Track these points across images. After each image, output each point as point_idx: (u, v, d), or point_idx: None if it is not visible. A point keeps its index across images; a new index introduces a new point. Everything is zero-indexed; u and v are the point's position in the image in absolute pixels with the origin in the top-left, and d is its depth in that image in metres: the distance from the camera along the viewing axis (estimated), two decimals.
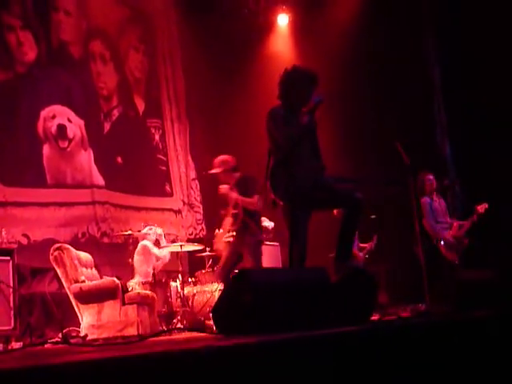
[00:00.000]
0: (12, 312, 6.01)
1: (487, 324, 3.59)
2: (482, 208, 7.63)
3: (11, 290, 6.02)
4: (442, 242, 7.64)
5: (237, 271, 5.53)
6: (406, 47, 9.42)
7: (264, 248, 8.44)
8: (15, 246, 7.07)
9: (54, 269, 7.05)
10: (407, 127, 8.77)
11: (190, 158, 10.94)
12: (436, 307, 4.97)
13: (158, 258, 8.03)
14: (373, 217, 8.53)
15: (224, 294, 4.13)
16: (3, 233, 6.25)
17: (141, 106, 10.43)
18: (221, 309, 3.97)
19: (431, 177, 7.85)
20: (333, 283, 4.13)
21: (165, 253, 8.10)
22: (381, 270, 8.76)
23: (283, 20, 11.32)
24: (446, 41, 9.59)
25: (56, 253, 6.91)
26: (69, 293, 6.86)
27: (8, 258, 6.10)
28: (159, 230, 8.32)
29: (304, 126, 4.77)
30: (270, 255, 8.48)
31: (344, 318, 3.77)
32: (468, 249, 7.57)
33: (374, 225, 8.73)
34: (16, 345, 5.94)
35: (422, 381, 3.02)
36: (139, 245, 8.02)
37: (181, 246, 8.09)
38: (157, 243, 8.26)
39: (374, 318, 4.65)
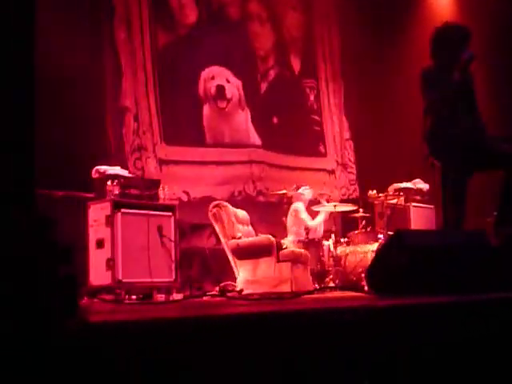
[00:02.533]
0: (173, 265, 6.28)
1: None
2: None
3: (173, 244, 6.29)
4: None
5: (390, 232, 5.48)
6: None
7: (418, 210, 8.33)
8: (176, 202, 7.37)
9: (212, 225, 7.32)
10: None
11: (344, 118, 10.87)
12: None
13: (306, 226, 8.03)
14: None
15: (378, 255, 4.12)
16: (166, 189, 6.53)
17: (296, 66, 10.46)
18: (375, 269, 3.97)
19: None
20: (493, 247, 4.00)
21: (315, 223, 8.10)
22: None
23: None
24: None
25: (215, 210, 7.16)
26: (226, 248, 7.11)
27: (170, 213, 6.36)
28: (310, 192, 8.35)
29: (456, 84, 4.59)
30: (424, 217, 8.33)
31: (503, 284, 3.64)
32: None
33: None
34: (177, 296, 6.21)
35: None
36: (292, 206, 8.12)
37: (334, 206, 8.12)
38: (310, 202, 8.33)
39: None
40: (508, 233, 4.41)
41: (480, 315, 2.76)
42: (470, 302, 2.83)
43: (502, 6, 9.17)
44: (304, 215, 8.05)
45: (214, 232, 7.52)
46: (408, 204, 8.26)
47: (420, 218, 8.32)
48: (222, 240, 7.14)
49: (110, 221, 5.89)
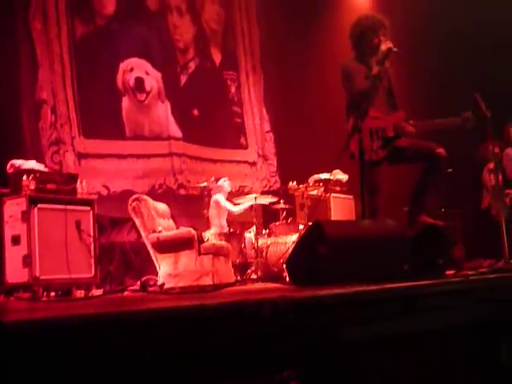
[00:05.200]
0: (92, 260, 6.20)
1: None
2: None
3: (92, 239, 6.20)
4: None
5: (311, 223, 5.53)
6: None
7: (338, 201, 8.48)
8: (95, 196, 7.26)
9: (132, 219, 7.25)
10: (489, 80, 8.47)
11: (264, 110, 10.93)
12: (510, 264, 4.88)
13: (229, 213, 8.12)
14: (449, 170, 8.34)
15: (298, 246, 4.16)
16: (84, 183, 6.42)
17: (217, 58, 10.45)
18: (295, 260, 4.01)
19: None
20: (407, 237, 4.10)
21: (237, 208, 8.17)
22: (457, 225, 8.60)
23: None
24: None
25: (134, 203, 7.09)
26: (147, 242, 7.05)
27: (88, 208, 6.27)
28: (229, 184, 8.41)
29: (374, 76, 4.66)
30: (344, 208, 8.48)
31: (418, 272, 3.75)
32: None
33: (450, 179, 8.54)
34: (97, 292, 6.13)
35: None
36: (212, 198, 8.13)
37: (255, 198, 8.17)
38: (230, 194, 8.36)
39: (449, 272, 4.60)
40: (420, 223, 4.54)
41: (397, 303, 2.83)
42: (387, 290, 2.90)
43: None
44: (226, 204, 8.08)
45: (134, 226, 7.44)
46: (328, 195, 8.39)
47: (340, 208, 8.46)
48: (143, 234, 7.07)
49: (25, 217, 5.77)
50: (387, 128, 4.74)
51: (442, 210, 8.63)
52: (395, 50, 4.63)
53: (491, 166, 7.06)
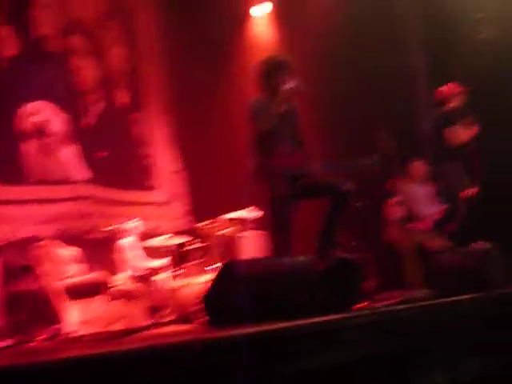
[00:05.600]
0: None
1: (468, 308, 3.63)
2: (469, 193, 7.65)
3: None
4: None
5: (224, 262, 5.52)
6: (391, 33, 9.38)
7: (251, 238, 8.49)
8: (2, 243, 7.03)
9: (40, 266, 7.03)
10: (392, 115, 8.77)
11: (173, 150, 10.89)
12: (421, 293, 5.01)
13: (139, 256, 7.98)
14: (358, 204, 8.51)
15: (212, 286, 4.13)
16: None
17: (124, 99, 10.38)
18: (210, 301, 3.98)
19: (421, 163, 7.89)
20: (318, 272, 4.15)
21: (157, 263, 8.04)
22: (368, 257, 8.76)
23: (266, 8, 11.23)
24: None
25: (41, 250, 6.89)
26: (55, 289, 6.84)
27: None
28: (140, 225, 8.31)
29: (278, 115, 4.76)
30: (257, 245, 8.49)
31: (330, 306, 3.79)
32: (452, 235, 7.58)
33: (360, 212, 8.72)
34: (5, 343, 5.90)
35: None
36: (123, 242, 8.00)
37: (167, 239, 8.08)
38: (143, 236, 8.25)
39: (361, 305, 4.67)
40: (330, 257, 4.60)
41: (311, 339, 2.84)
42: (302, 327, 2.91)
43: (322, 40, 9.69)
44: (135, 251, 7.95)
45: (42, 273, 7.21)
46: (241, 233, 8.39)
47: (253, 246, 8.47)
48: (51, 281, 6.86)
49: None
50: (293, 166, 4.81)
51: (353, 243, 8.80)
52: (298, 88, 4.74)
53: (395, 199, 7.27)
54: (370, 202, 8.62)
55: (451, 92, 6.60)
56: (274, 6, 11.07)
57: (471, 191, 7.51)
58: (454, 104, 6.52)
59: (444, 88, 6.93)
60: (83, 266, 7.35)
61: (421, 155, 8.04)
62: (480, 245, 6.24)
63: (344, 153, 6.70)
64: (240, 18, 11.25)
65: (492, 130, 7.60)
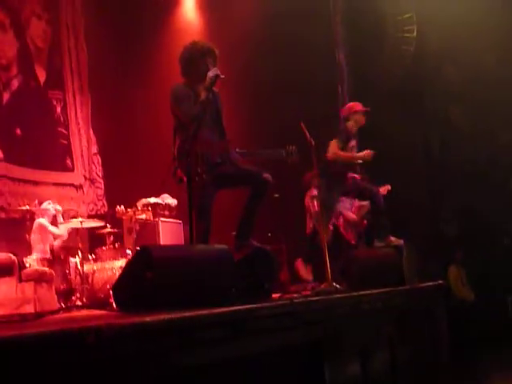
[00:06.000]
0: None
1: (382, 301, 3.72)
2: (384, 190, 7.81)
3: None
4: (342, 221, 7.82)
5: (139, 248, 5.46)
6: (315, 30, 9.51)
7: (167, 225, 8.43)
8: None
9: None
10: (312, 109, 8.88)
11: (91, 132, 10.68)
12: (335, 285, 5.09)
13: (55, 236, 7.85)
14: (276, 196, 8.59)
15: (125, 271, 4.08)
16: None
17: (42, 76, 10.08)
18: (122, 286, 3.93)
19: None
20: (235, 261, 4.15)
21: (62, 231, 7.92)
22: (283, 249, 8.85)
23: None
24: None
25: None
26: None
27: None
28: (58, 207, 8.14)
29: (202, 102, 4.74)
30: (173, 233, 8.45)
31: (244, 295, 3.80)
32: (367, 229, 7.75)
33: (276, 204, 8.81)
34: None
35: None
36: (35, 222, 7.81)
37: (81, 222, 7.94)
38: (55, 219, 8.07)
39: (275, 295, 4.71)
40: (247, 247, 4.62)
41: (225, 327, 2.84)
42: (214, 315, 2.91)
43: (247, 25, 9.72)
44: (51, 228, 7.79)
45: None
46: (156, 219, 8.32)
47: (169, 233, 8.42)
48: None
49: None
50: (213, 153, 4.80)
51: (269, 234, 8.88)
52: (222, 76, 4.73)
53: (314, 192, 7.35)
54: (288, 193, 8.75)
55: (353, 110, 6.72)
56: None
57: (384, 189, 7.70)
58: (351, 123, 6.65)
59: (349, 104, 7.04)
60: None
61: None
62: (395, 241, 6.40)
63: (264, 143, 6.72)
64: (168, 2, 11.14)
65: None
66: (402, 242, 6.38)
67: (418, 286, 5.69)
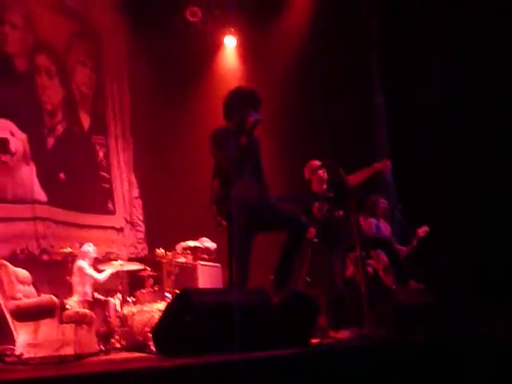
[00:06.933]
0: None
1: (422, 347, 3.66)
2: (422, 232, 7.72)
3: None
4: (382, 266, 7.74)
5: (178, 291, 5.49)
6: (352, 72, 9.57)
7: (206, 269, 8.46)
8: None
9: None
10: (348, 151, 8.88)
11: (133, 176, 10.85)
12: (374, 331, 5.03)
13: (94, 279, 7.91)
14: (315, 240, 8.56)
15: (165, 314, 4.10)
16: None
17: (86, 122, 10.32)
18: (161, 329, 3.94)
19: (384, 200, 7.92)
20: (273, 305, 4.14)
21: (103, 274, 7.99)
22: (321, 294, 8.77)
23: (231, 42, 11.33)
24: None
25: None
26: (5, 310, 6.70)
27: None
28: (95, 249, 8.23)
29: (242, 147, 4.78)
30: (211, 276, 8.46)
31: (283, 340, 3.78)
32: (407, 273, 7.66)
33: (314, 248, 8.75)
34: None
35: None
36: (75, 265, 7.90)
37: (121, 265, 8.01)
38: (96, 261, 8.16)
39: (314, 341, 4.67)
40: (285, 291, 4.60)
41: (263, 372, 2.84)
42: (254, 360, 2.90)
43: (289, 73, 9.84)
44: (90, 271, 7.87)
45: None
46: (196, 263, 8.35)
47: (207, 276, 8.43)
48: (1, 301, 6.72)
49: None
50: (253, 198, 4.83)
51: (308, 279, 8.80)
52: (261, 122, 4.80)
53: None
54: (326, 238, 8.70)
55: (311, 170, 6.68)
56: (243, 39, 11.20)
57: (423, 230, 7.62)
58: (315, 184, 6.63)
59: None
60: (35, 288, 7.22)
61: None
62: (415, 285, 6.33)
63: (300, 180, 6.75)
64: (210, 47, 11.33)
65: None
66: (421, 286, 6.30)
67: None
